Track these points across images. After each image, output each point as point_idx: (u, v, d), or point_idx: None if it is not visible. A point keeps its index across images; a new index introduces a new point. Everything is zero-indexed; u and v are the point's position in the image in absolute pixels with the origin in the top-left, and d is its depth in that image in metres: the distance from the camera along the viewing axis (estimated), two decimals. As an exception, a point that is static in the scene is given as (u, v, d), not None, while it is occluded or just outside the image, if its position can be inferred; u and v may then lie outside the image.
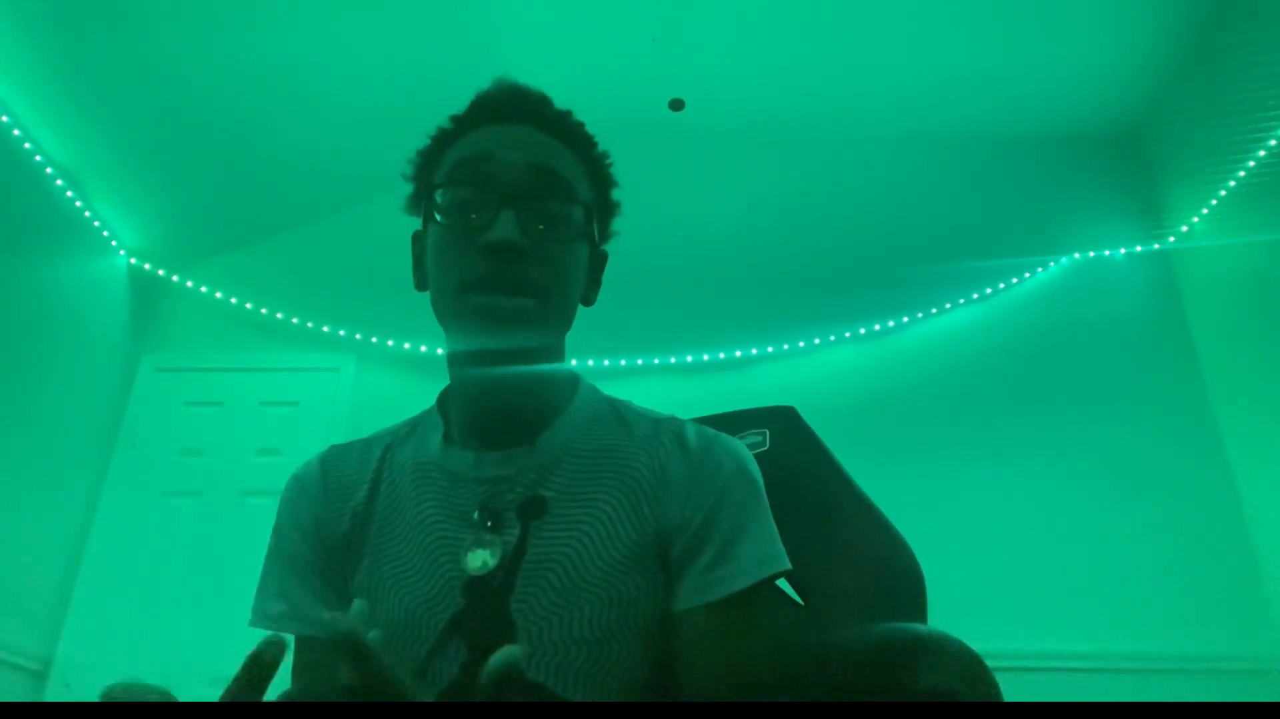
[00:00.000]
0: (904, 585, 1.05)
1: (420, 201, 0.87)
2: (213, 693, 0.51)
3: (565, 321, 0.85)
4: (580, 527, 0.79)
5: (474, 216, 0.79)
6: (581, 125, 0.88)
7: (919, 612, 1.06)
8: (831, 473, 1.09)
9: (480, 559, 0.77)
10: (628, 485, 0.81)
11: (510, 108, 0.85)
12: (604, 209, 0.90)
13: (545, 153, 0.82)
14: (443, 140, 0.87)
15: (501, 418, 0.83)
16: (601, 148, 0.90)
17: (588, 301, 0.89)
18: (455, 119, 0.87)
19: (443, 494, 0.83)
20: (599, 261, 0.91)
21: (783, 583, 1.04)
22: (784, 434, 1.10)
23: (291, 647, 0.83)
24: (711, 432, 0.87)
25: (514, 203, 0.78)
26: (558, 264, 0.81)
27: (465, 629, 0.76)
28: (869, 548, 1.07)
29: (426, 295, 0.88)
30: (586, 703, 0.76)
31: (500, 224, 0.77)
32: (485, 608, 0.76)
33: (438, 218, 0.81)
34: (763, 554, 0.80)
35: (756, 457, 0.89)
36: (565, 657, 0.76)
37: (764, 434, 1.11)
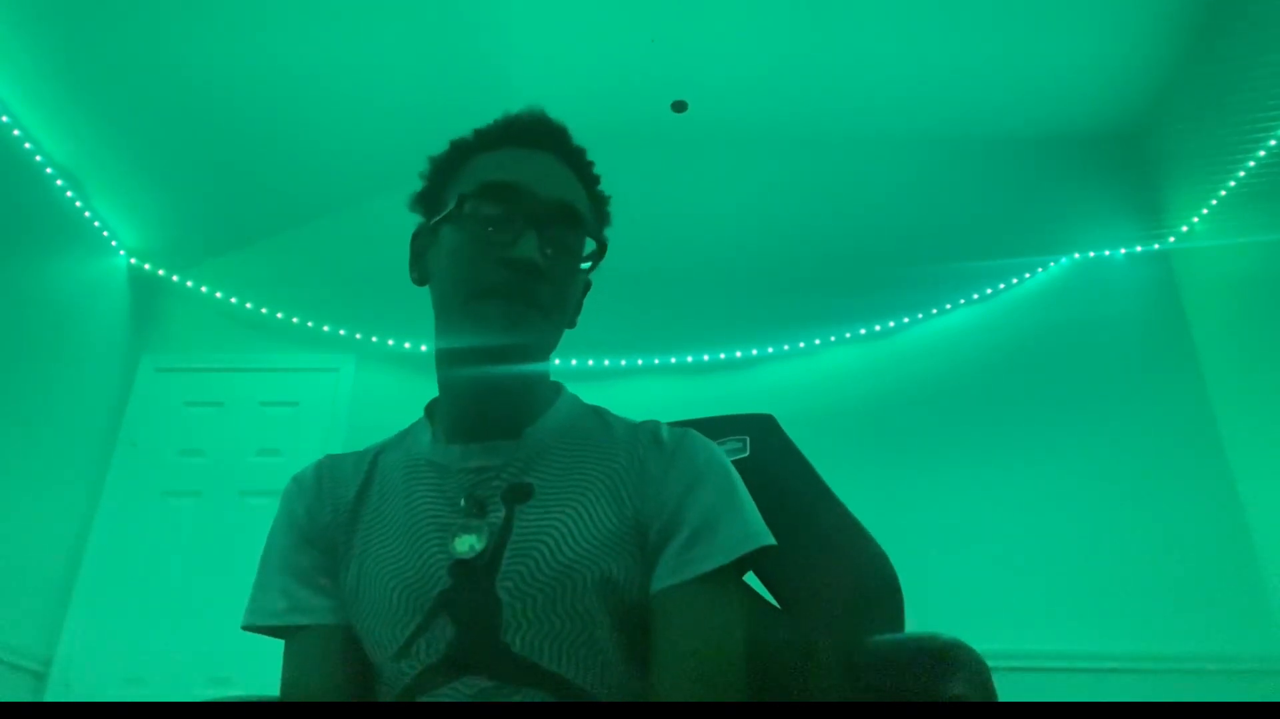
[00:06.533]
0: (885, 595, 1.06)
1: (435, 203, 0.93)
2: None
3: (558, 337, 0.92)
4: (564, 510, 0.82)
5: (492, 230, 0.86)
6: (592, 164, 0.96)
7: (898, 620, 1.07)
8: (812, 482, 1.09)
9: (467, 543, 0.81)
10: (608, 475, 0.86)
11: (536, 134, 0.92)
12: (602, 244, 0.98)
13: (569, 190, 0.91)
14: (465, 150, 0.93)
15: (491, 413, 0.88)
16: (602, 186, 0.97)
17: (570, 324, 0.96)
18: (481, 134, 0.93)
19: (432, 486, 0.87)
20: (586, 290, 0.99)
21: (761, 589, 1.04)
22: (764, 442, 1.11)
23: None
24: (684, 429, 0.91)
25: (539, 228, 0.86)
26: (564, 287, 0.89)
27: (452, 607, 0.79)
28: (850, 557, 1.08)
29: (427, 295, 0.93)
30: (584, 703, 0.77)
31: (525, 243, 0.84)
32: (471, 587, 0.79)
33: (460, 224, 0.87)
34: (739, 533, 0.82)
35: (736, 463, 0.91)
36: (550, 629, 0.78)
37: (744, 441, 1.11)
